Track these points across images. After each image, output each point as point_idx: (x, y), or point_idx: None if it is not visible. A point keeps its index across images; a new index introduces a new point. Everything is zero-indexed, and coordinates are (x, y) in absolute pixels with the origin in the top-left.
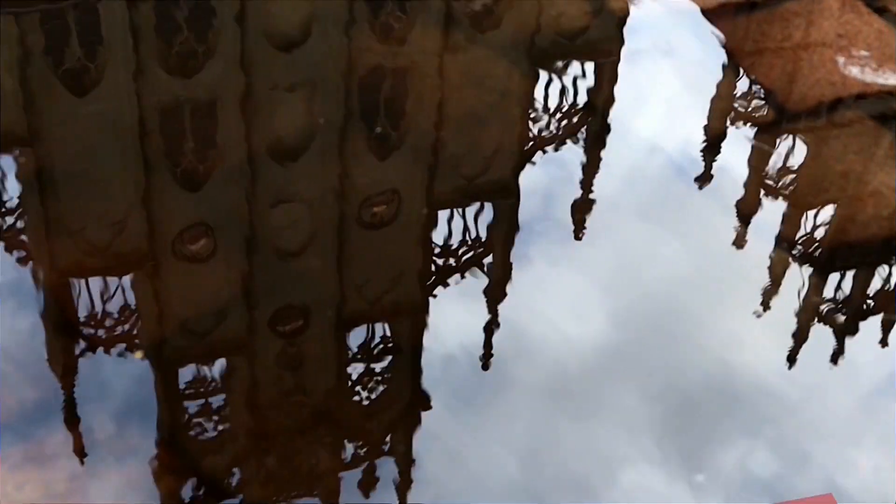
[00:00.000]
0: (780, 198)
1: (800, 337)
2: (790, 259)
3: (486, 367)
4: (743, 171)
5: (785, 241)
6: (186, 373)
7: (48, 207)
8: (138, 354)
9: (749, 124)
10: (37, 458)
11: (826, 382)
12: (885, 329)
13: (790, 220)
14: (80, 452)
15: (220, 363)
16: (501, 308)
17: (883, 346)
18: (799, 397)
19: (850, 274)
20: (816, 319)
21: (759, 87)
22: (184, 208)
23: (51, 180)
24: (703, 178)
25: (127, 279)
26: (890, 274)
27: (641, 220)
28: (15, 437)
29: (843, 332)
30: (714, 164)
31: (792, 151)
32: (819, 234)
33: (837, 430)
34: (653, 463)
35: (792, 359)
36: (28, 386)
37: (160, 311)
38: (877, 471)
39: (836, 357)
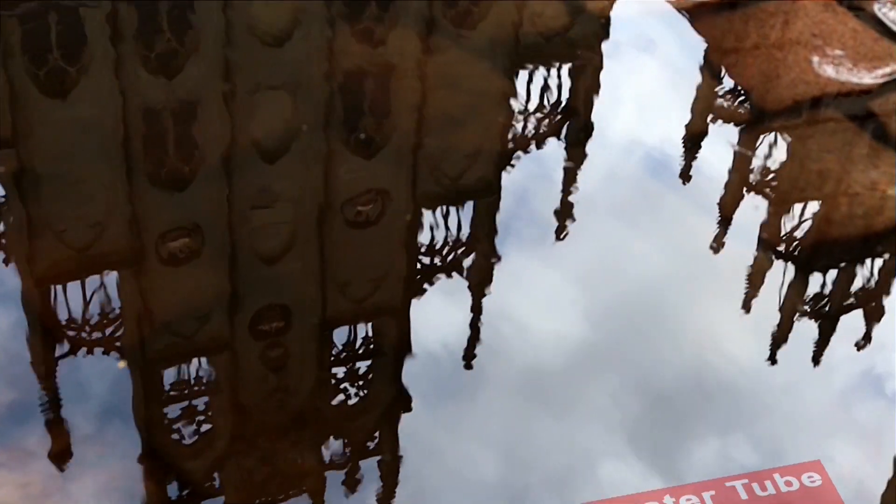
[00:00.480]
0: (758, 197)
1: (777, 334)
2: (767, 258)
3: (468, 365)
4: (721, 171)
5: (762, 240)
6: (169, 374)
7: (28, 209)
8: (122, 364)
9: (727, 124)
10: (14, 460)
11: (802, 379)
12: (862, 326)
13: (767, 220)
14: (59, 454)
15: (203, 364)
16: (482, 307)
17: (861, 343)
18: (776, 394)
19: (826, 273)
20: (793, 317)
21: (736, 86)
22: (166, 210)
23: (31, 182)
24: (682, 177)
25: (108, 281)
26: (872, 272)
27: (621, 219)
28: None
29: (820, 329)
30: (693, 163)
31: (769, 151)
32: (796, 233)
33: (814, 425)
34: (629, 458)
35: (769, 356)
36: (5, 387)
37: (142, 313)
38: (855, 466)
39: (812, 354)
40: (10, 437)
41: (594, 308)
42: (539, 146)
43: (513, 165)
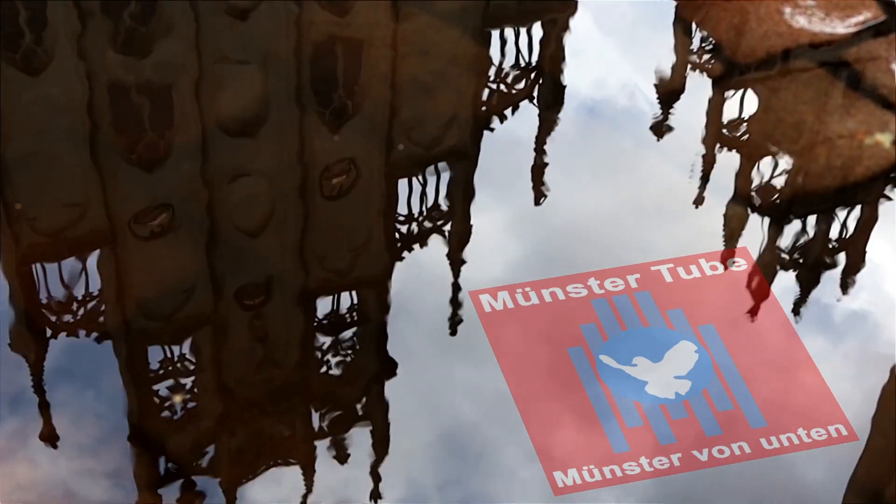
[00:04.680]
0: (733, 150)
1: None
2: (743, 211)
3: (453, 332)
4: (696, 126)
5: (738, 194)
6: (153, 353)
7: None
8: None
9: (700, 77)
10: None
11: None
12: (838, 277)
13: (743, 173)
14: (47, 436)
15: (187, 341)
16: (460, 272)
17: (839, 294)
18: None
19: (804, 224)
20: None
21: (708, 40)
22: (141, 187)
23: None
24: (656, 133)
25: (86, 261)
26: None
27: (596, 179)
28: None
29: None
30: (666, 119)
31: (743, 104)
32: (773, 184)
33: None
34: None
35: None
36: None
37: (122, 292)
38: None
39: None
40: None
41: (570, 268)
42: (510, 109)
43: (486, 129)
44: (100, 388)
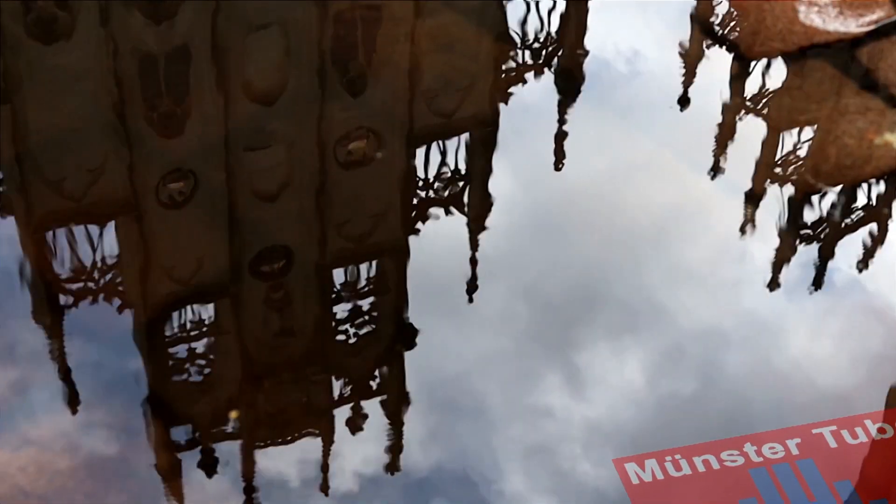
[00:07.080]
0: (746, 146)
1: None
2: (754, 205)
3: (471, 299)
4: (710, 122)
5: (749, 188)
6: (171, 319)
7: (22, 157)
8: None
9: (716, 74)
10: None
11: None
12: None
13: (755, 170)
14: (68, 402)
15: (205, 308)
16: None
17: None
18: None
19: (812, 224)
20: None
21: (724, 39)
22: (161, 154)
23: (23, 131)
24: (672, 129)
25: (106, 228)
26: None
27: (616, 149)
28: None
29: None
30: (682, 114)
31: (757, 103)
32: (783, 182)
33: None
34: None
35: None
36: (11, 337)
37: (142, 259)
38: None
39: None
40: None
41: (596, 238)
42: (537, 78)
43: (510, 97)
44: (115, 350)
